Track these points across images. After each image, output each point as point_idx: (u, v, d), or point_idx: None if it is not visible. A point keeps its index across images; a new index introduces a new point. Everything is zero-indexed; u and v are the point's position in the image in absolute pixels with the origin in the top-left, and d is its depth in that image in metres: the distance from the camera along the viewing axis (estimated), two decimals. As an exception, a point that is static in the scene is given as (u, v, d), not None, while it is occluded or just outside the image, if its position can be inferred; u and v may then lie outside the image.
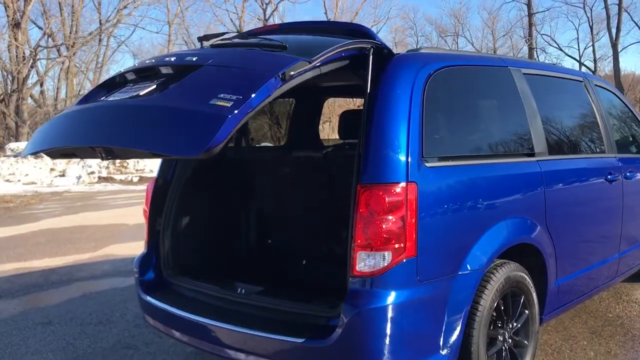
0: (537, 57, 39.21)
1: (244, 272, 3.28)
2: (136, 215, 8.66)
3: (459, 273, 2.53)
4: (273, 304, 2.72)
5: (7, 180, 14.72)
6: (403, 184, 2.36)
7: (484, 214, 2.72)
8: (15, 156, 17.23)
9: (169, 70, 2.46)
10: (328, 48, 2.37)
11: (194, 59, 2.42)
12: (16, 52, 23.95)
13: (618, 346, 3.58)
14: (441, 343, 2.49)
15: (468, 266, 2.57)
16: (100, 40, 29.32)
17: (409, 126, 2.45)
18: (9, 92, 24.05)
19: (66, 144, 2.47)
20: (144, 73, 2.57)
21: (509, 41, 43.10)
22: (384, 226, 2.32)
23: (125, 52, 61.43)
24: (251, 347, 2.57)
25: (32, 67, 25.20)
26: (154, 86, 2.39)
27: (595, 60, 37.98)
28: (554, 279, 3.17)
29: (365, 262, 2.33)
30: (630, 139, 4.44)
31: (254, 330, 2.55)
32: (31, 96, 26.51)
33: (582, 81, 3.91)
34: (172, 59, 2.51)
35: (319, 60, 2.33)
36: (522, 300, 2.92)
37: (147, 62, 2.61)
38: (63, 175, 15.40)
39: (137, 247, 3.34)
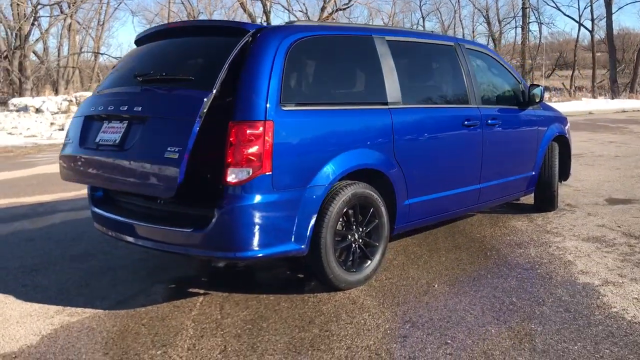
0: (539, 16, 39.29)
1: None
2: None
3: (309, 186, 3.49)
4: (178, 209, 3.72)
5: (10, 134, 15.77)
6: (262, 121, 3.33)
7: (333, 145, 3.64)
8: (17, 111, 18.23)
9: (127, 116, 3.63)
10: (221, 68, 3.29)
11: (140, 109, 3.54)
12: (18, 9, 24.67)
13: (467, 255, 4.55)
14: (294, 235, 3.47)
15: (317, 181, 3.52)
16: (100, -3, 29.97)
17: (270, 81, 3.39)
18: (12, 48, 24.88)
19: (86, 184, 4.10)
20: (112, 115, 3.76)
21: (510, 1, 43.10)
22: (246, 151, 3.29)
23: (126, 10, 61.88)
24: (160, 237, 3.59)
25: (33, 24, 25.93)
26: (124, 129, 3.63)
27: (592, 20, 38.10)
28: (404, 199, 4.12)
29: (234, 175, 3.30)
30: (501, 93, 5.30)
31: (163, 225, 3.56)
32: (34, 52, 27.35)
33: (452, 46, 4.80)
34: (125, 107, 3.63)
35: (218, 85, 3.27)
36: (371, 212, 3.88)
37: (109, 108, 3.77)
38: (62, 130, 16.35)
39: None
